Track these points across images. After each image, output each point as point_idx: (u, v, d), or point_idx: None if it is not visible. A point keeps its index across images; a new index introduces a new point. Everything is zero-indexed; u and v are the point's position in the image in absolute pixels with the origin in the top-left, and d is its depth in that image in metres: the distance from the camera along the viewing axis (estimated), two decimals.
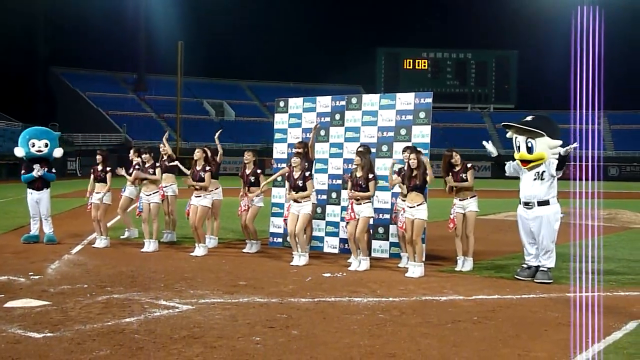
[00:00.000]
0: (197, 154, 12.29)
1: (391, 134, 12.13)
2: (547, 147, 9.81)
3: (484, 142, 11.10)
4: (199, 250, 12.07)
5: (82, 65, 73.26)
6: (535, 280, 9.78)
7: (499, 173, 12.45)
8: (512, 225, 11.98)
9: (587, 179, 10.75)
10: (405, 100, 12.11)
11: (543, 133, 9.80)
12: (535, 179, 9.91)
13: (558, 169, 9.75)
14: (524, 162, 10.03)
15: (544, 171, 9.84)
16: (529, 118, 10.25)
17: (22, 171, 13.45)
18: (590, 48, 8.96)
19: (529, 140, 9.91)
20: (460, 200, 10.89)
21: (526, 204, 10.03)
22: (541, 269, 9.88)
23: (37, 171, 13.22)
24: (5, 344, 6.28)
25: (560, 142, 9.83)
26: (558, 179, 9.91)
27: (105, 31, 68.39)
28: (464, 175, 10.83)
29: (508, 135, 10.33)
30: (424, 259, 10.55)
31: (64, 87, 71.72)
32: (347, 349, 6.24)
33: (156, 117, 70.25)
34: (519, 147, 10.09)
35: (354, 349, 6.26)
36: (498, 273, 10.65)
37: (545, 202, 9.85)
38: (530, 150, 9.92)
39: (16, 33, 65.41)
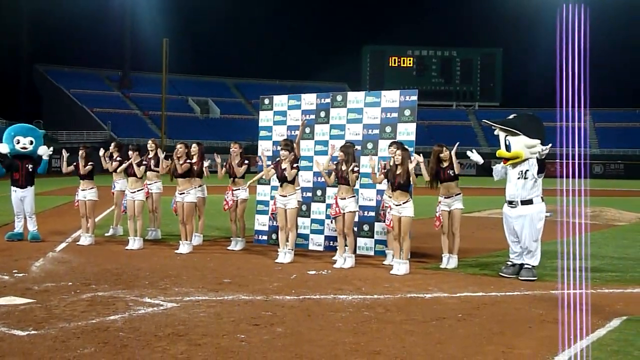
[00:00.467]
0: (180, 150, 12.21)
1: (376, 131, 12.15)
2: (523, 146, 9.84)
3: (469, 153, 11.13)
4: (184, 248, 12.04)
5: (66, 63, 72.90)
6: (520, 278, 9.81)
7: (483, 171, 12.49)
8: (497, 222, 12.03)
9: (572, 177, 10.78)
10: (391, 97, 12.13)
11: (518, 132, 9.86)
12: (519, 178, 9.94)
13: (539, 172, 9.82)
14: (504, 159, 10.10)
15: (527, 170, 9.87)
16: (510, 117, 10.33)
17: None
18: (575, 46, 8.98)
19: (507, 138, 9.99)
20: (445, 198, 10.91)
21: (510, 202, 10.07)
22: (525, 266, 9.91)
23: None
24: None
25: (537, 142, 9.85)
26: (544, 176, 9.96)
27: (89, 28, 68.28)
28: (451, 172, 10.86)
29: (495, 132, 10.37)
30: (409, 257, 10.57)
31: (49, 85, 71.31)
32: (331, 347, 6.24)
33: (141, 115, 70.05)
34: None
35: (339, 346, 6.26)
36: (482, 270, 10.68)
37: (529, 202, 9.88)
38: (507, 148, 9.98)
39: (0, 30, 64.96)
